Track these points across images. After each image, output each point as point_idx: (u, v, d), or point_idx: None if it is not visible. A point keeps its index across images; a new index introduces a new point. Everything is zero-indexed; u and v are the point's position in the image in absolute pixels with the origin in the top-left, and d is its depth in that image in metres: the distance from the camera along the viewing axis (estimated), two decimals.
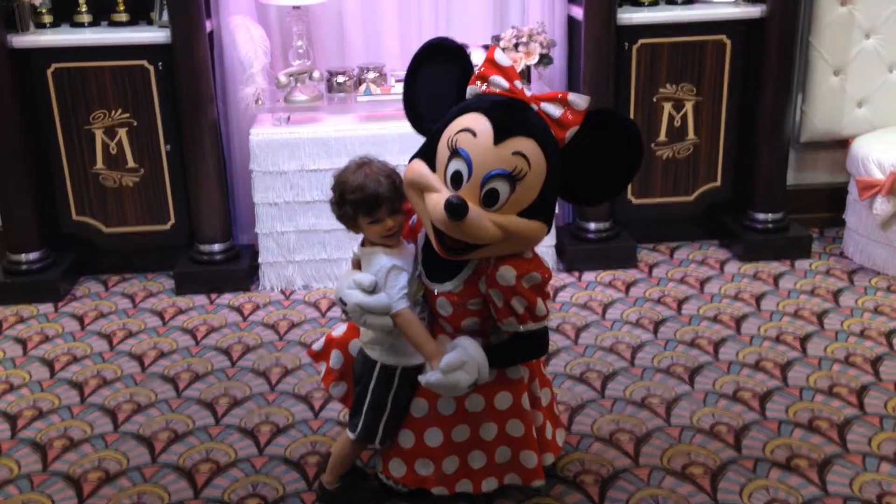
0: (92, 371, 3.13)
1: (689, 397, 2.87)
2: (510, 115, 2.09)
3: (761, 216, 3.93)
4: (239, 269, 3.77)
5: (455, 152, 2.09)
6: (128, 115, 3.69)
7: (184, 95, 3.59)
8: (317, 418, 2.82)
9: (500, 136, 2.05)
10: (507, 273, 2.13)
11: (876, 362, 3.06)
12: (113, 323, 3.48)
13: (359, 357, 2.38)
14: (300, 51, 3.72)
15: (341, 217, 2.25)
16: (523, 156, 2.05)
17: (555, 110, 2.12)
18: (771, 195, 3.91)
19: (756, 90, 3.83)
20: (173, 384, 3.04)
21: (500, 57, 2.17)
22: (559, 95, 2.13)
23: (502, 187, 2.06)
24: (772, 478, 2.49)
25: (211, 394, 2.97)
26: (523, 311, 2.16)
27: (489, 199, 2.07)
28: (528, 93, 2.17)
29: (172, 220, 3.85)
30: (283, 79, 3.58)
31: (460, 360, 2.14)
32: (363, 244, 2.30)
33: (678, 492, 2.44)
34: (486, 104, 2.11)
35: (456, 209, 2.02)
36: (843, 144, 4.09)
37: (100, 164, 3.74)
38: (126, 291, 3.76)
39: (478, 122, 2.08)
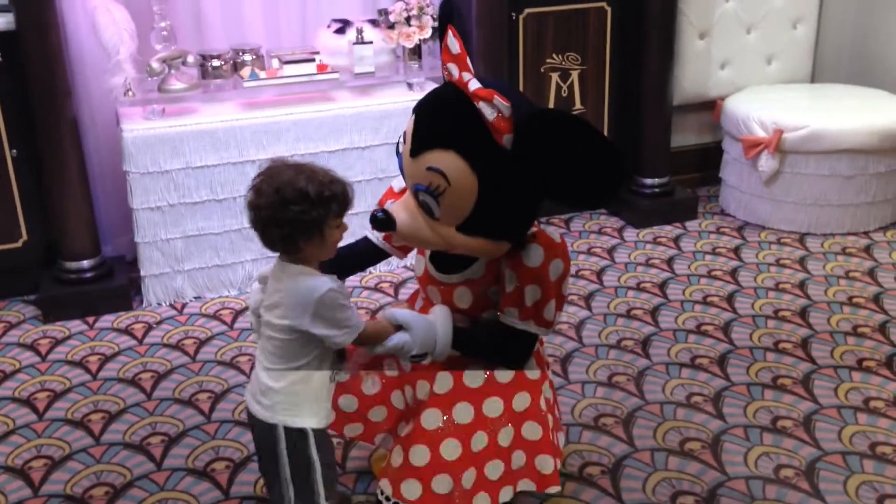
0: None
1: (652, 370, 2.83)
2: (433, 122, 1.86)
3: (648, 181, 3.95)
4: (115, 286, 3.29)
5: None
6: None
7: (35, 90, 3.06)
8: None
9: (415, 149, 1.85)
10: (535, 253, 1.94)
11: (803, 314, 3.15)
12: None
13: (256, 429, 1.94)
14: (164, 33, 3.28)
15: (308, 223, 1.78)
16: (439, 172, 1.83)
17: (489, 112, 1.81)
18: (657, 160, 3.95)
19: (637, 56, 3.83)
20: (86, 429, 2.60)
21: (451, 41, 1.88)
22: (492, 95, 1.79)
23: (429, 200, 1.86)
24: (766, 442, 2.48)
25: (138, 434, 2.57)
26: (531, 305, 1.98)
27: (426, 209, 1.88)
28: (473, 86, 1.83)
29: (24, 237, 3.31)
30: (156, 65, 3.14)
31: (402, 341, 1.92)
32: (283, 261, 1.85)
33: (687, 471, 2.37)
34: (424, 101, 1.92)
35: (379, 224, 1.90)
36: (708, 106, 4.20)
37: None
38: None
39: (409, 127, 1.89)
